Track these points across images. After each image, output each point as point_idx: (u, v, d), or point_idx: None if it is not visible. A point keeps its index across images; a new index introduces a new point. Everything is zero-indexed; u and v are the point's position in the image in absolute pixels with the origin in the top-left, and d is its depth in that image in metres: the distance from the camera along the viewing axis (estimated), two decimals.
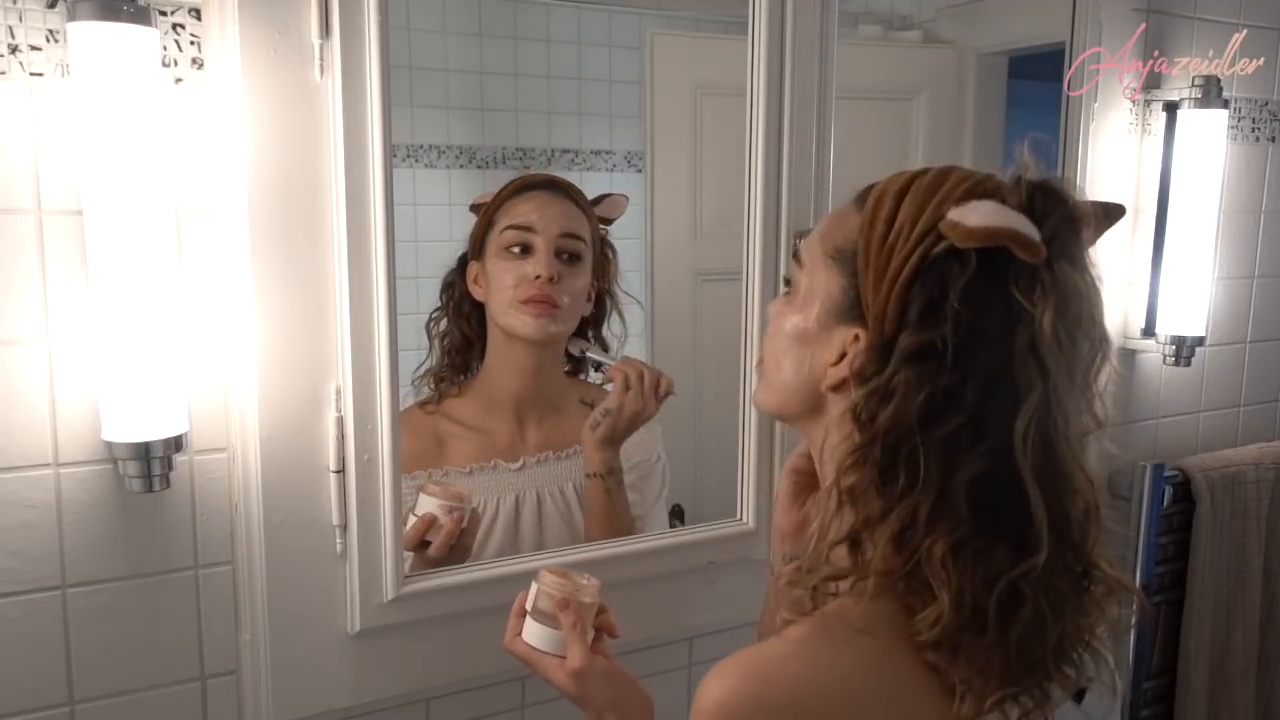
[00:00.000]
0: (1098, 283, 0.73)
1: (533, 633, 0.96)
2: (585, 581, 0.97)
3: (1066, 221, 0.71)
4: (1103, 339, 0.73)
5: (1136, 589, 0.80)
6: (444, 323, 1.34)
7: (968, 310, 0.69)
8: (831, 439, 0.78)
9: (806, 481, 0.92)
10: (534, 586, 0.98)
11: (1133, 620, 0.82)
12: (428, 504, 1.17)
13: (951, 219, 0.70)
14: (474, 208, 1.33)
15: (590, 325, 1.38)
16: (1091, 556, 0.75)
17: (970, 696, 0.71)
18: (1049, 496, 0.71)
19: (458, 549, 1.18)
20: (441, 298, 1.34)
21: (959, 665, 0.71)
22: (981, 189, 0.72)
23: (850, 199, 0.80)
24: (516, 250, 1.29)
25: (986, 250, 0.69)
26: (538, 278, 1.27)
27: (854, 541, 0.73)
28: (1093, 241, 0.76)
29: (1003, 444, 0.70)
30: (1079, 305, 0.71)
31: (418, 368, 1.32)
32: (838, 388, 0.77)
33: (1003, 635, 0.70)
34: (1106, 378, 0.74)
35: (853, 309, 0.76)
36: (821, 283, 0.78)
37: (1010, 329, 0.70)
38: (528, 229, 1.29)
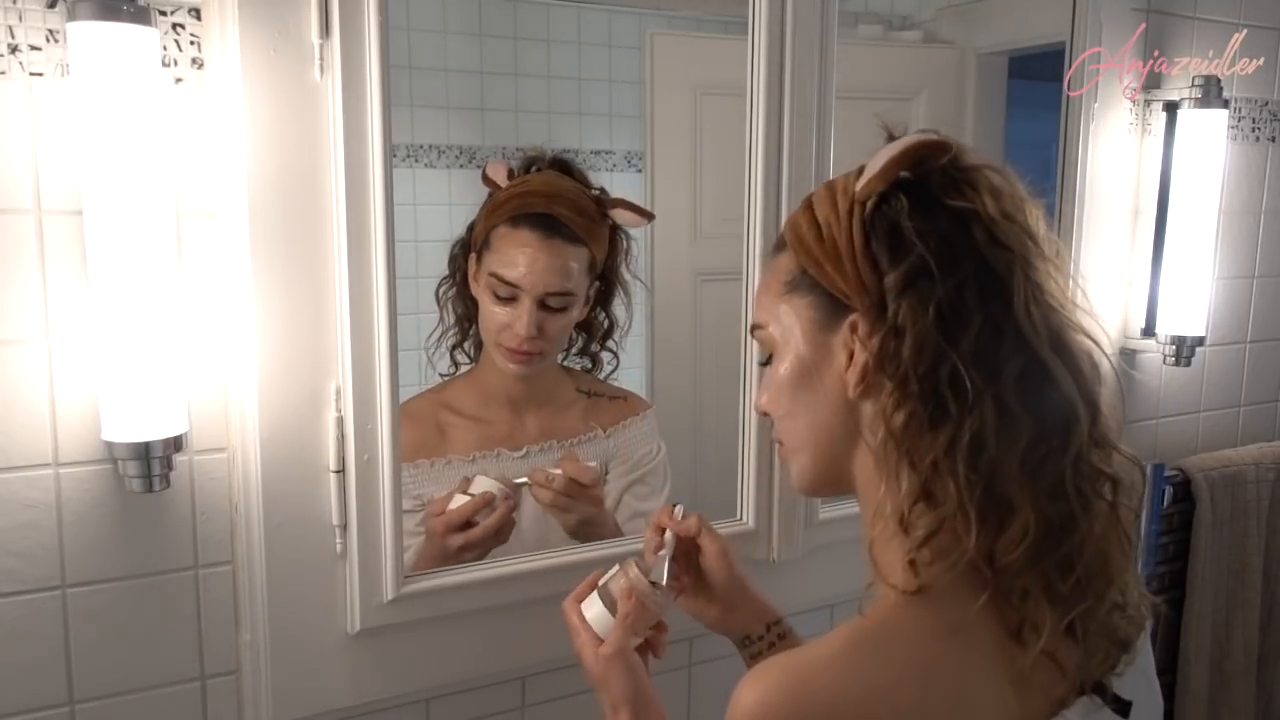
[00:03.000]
0: (1006, 174, 0.77)
1: (590, 607, 0.97)
2: (659, 592, 0.97)
3: (936, 139, 0.75)
4: (1041, 214, 0.76)
5: (1137, 459, 0.79)
6: (452, 291, 1.34)
7: (924, 228, 0.72)
8: (873, 443, 0.76)
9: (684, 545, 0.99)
10: (615, 568, 0.98)
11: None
12: (486, 484, 1.19)
13: (860, 183, 0.75)
14: (486, 180, 1.30)
15: (596, 305, 1.37)
16: (1107, 436, 0.76)
17: (1035, 634, 0.70)
18: (1071, 370, 0.73)
19: (497, 537, 1.19)
20: (449, 266, 1.33)
21: (1028, 606, 0.70)
22: (867, 163, 0.77)
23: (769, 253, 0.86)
24: (499, 295, 1.27)
25: (907, 185, 0.74)
26: (517, 335, 1.27)
27: (927, 494, 0.71)
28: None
29: (1016, 333, 0.71)
30: (1003, 181, 0.75)
31: (430, 334, 1.32)
32: (864, 382, 0.75)
33: (1074, 541, 0.71)
34: (1065, 255, 0.77)
35: (832, 311, 0.77)
36: (790, 317, 0.80)
37: (967, 231, 0.73)
38: (514, 285, 1.26)
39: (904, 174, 0.74)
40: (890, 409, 0.72)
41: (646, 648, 1.00)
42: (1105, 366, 0.76)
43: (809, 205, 0.80)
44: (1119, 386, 0.81)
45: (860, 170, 0.78)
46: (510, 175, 1.29)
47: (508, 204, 1.28)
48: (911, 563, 0.71)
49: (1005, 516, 0.70)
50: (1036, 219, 0.75)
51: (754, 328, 0.84)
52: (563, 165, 1.34)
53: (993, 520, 0.70)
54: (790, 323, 0.80)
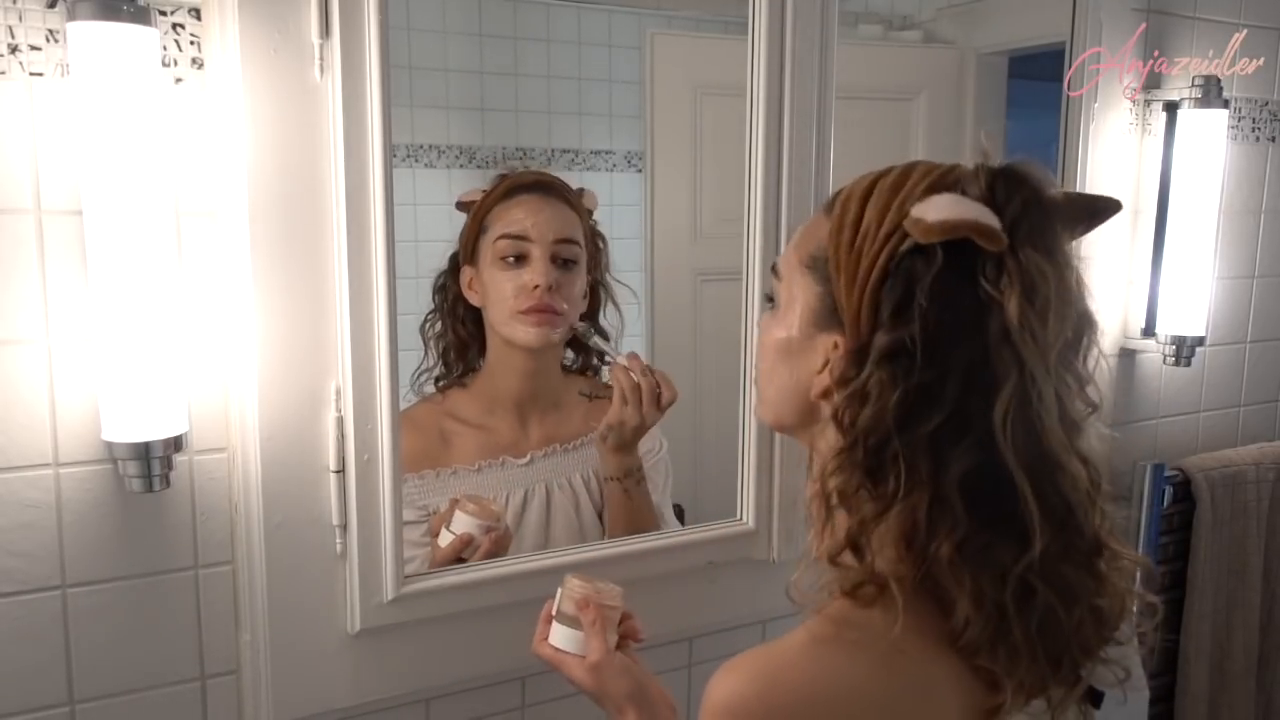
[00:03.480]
0: (1072, 264, 0.72)
1: (557, 635, 0.99)
2: (608, 586, 0.99)
3: (1029, 205, 0.70)
4: (1083, 321, 0.73)
5: (1143, 558, 0.79)
6: (439, 325, 1.33)
7: (936, 306, 0.69)
8: (820, 446, 0.78)
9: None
10: (559, 591, 1.00)
11: (1154, 609, 0.81)
12: (465, 523, 1.17)
13: (914, 216, 0.70)
14: (461, 205, 1.32)
15: (587, 317, 1.38)
16: (1100, 537, 0.74)
17: (1012, 688, 0.71)
18: (1042, 485, 0.70)
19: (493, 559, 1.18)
20: (435, 300, 1.33)
21: (999, 660, 0.70)
22: (942, 182, 0.72)
23: (821, 206, 0.80)
24: (512, 259, 1.28)
25: (952, 243, 0.69)
26: (536, 287, 1.27)
27: (855, 547, 0.72)
28: (1082, 233, 0.76)
29: (986, 436, 0.69)
30: (1047, 289, 0.69)
31: (416, 370, 1.31)
32: (825, 395, 0.76)
33: (1025, 628, 0.70)
34: (1095, 360, 0.74)
35: (831, 315, 0.76)
36: (800, 292, 0.78)
37: (982, 320, 0.69)
38: (522, 238, 1.28)
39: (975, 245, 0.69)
40: (832, 468, 0.73)
41: (625, 640, 1.00)
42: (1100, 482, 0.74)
43: (870, 190, 0.74)
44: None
45: (939, 177, 0.73)
46: (485, 193, 1.31)
47: (495, 189, 1.30)
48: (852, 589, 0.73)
49: (944, 599, 0.71)
50: (1076, 319, 0.71)
51: (773, 268, 0.83)
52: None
53: (930, 599, 0.71)
54: (797, 296, 0.78)
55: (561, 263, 1.29)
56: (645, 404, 1.26)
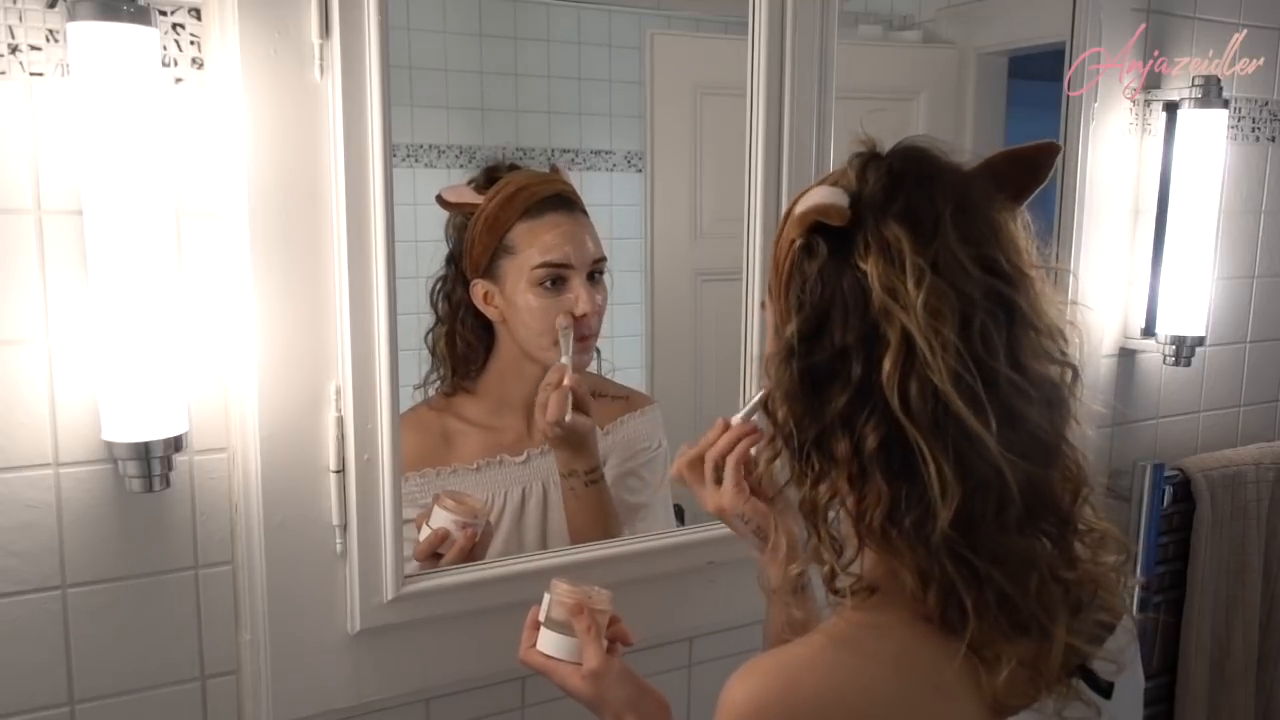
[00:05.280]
0: (972, 226, 0.71)
1: (547, 642, 0.97)
2: (598, 591, 0.98)
3: (891, 181, 0.72)
4: (993, 285, 0.71)
5: (1115, 532, 0.78)
6: (447, 336, 1.31)
7: (819, 291, 0.72)
8: None
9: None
10: (546, 597, 0.98)
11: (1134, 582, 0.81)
12: (441, 518, 1.17)
13: (793, 216, 0.75)
14: (450, 205, 1.29)
15: None
16: (1065, 510, 0.74)
17: (996, 662, 0.70)
18: (958, 449, 0.69)
19: (469, 561, 1.18)
20: (438, 309, 1.31)
21: (979, 636, 0.70)
22: (824, 180, 0.76)
23: None
24: (549, 284, 1.27)
25: (830, 231, 0.72)
26: (583, 316, 1.27)
27: (811, 524, 0.75)
28: (1036, 187, 0.77)
29: (885, 404, 0.69)
30: (907, 253, 0.69)
31: (425, 377, 1.31)
32: None
33: (978, 599, 0.70)
34: (982, 325, 0.70)
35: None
36: (770, 314, 0.81)
37: (864, 296, 0.70)
38: (564, 265, 1.26)
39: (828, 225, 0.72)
40: (764, 460, 0.77)
41: (614, 644, 1.00)
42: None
43: (788, 213, 0.78)
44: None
45: (825, 176, 0.77)
46: (475, 191, 1.29)
47: (512, 202, 1.27)
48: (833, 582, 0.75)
49: (898, 571, 0.72)
50: (926, 290, 0.68)
51: (761, 304, 0.87)
52: (516, 168, 1.34)
53: (886, 570, 0.73)
54: (770, 319, 0.82)
55: (595, 278, 1.30)
56: (554, 399, 1.24)
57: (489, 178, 1.31)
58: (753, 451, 0.93)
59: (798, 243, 0.74)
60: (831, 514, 0.75)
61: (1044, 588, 0.72)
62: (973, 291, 0.69)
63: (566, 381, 1.23)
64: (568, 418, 1.22)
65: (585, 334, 1.29)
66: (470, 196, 1.28)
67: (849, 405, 0.70)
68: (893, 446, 0.70)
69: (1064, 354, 0.74)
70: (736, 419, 0.95)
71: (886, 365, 0.69)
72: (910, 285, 0.69)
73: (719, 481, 0.95)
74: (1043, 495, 0.72)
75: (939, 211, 0.71)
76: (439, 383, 1.33)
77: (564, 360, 1.25)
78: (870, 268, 0.70)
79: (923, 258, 0.69)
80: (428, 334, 1.32)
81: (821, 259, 0.72)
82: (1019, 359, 0.71)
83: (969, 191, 0.73)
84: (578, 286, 1.27)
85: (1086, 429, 0.75)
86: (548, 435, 1.26)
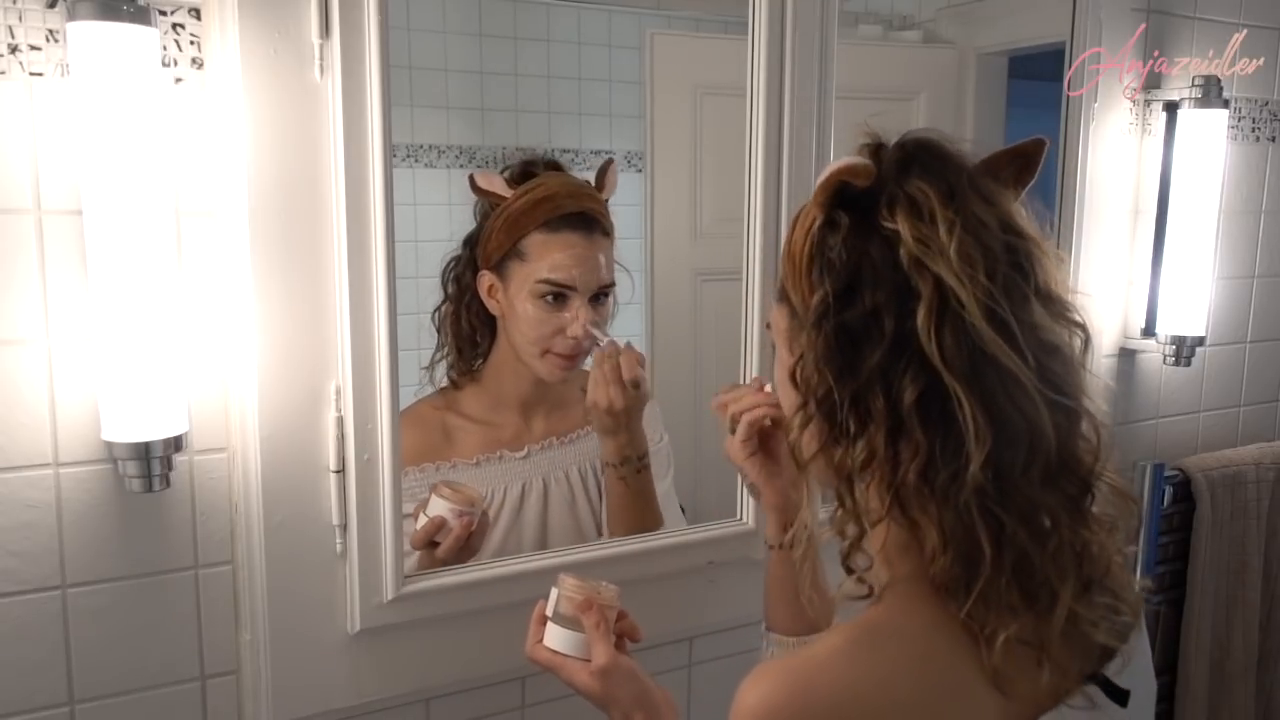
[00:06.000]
0: (989, 199, 0.74)
1: (555, 637, 0.96)
2: (605, 586, 0.98)
3: (911, 150, 0.75)
4: (1017, 244, 0.73)
5: (1132, 495, 0.79)
6: (453, 314, 1.32)
7: (847, 256, 0.73)
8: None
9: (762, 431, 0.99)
10: (554, 592, 0.98)
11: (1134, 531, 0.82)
12: (438, 506, 1.17)
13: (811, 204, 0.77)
14: (479, 190, 1.29)
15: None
16: (1085, 473, 0.74)
17: (994, 637, 0.70)
18: (993, 397, 0.69)
19: (465, 550, 1.18)
20: (447, 290, 1.33)
21: (979, 610, 0.70)
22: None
23: None
24: (550, 299, 1.27)
25: (851, 203, 0.73)
26: (575, 339, 1.27)
27: (839, 495, 0.76)
28: (1027, 181, 0.79)
29: (922, 355, 0.70)
30: (934, 204, 0.71)
31: (434, 354, 1.32)
32: None
33: (996, 561, 0.70)
34: (1006, 276, 0.72)
35: (796, 322, 0.79)
36: (777, 322, 0.82)
37: (893, 253, 0.71)
38: (567, 286, 1.27)
39: (854, 186, 0.74)
40: (795, 429, 0.77)
41: (621, 639, 1.00)
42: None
43: (795, 219, 0.81)
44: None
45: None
46: (507, 183, 1.29)
47: (535, 210, 1.27)
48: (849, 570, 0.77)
49: (918, 532, 0.72)
50: (957, 238, 0.70)
51: (766, 325, 0.89)
52: (556, 167, 1.34)
53: (907, 536, 0.73)
54: (778, 326, 0.82)
55: (597, 301, 1.30)
56: (610, 383, 1.25)
57: (524, 172, 1.31)
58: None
59: (819, 220, 0.75)
60: (859, 486, 0.75)
61: (1060, 552, 0.72)
62: (995, 246, 0.71)
63: (623, 364, 1.25)
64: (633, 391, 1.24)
65: (574, 353, 1.29)
66: (500, 188, 1.28)
67: (884, 359, 0.71)
68: (931, 397, 0.70)
69: (1076, 318, 0.75)
70: (770, 388, 0.99)
71: (920, 315, 0.69)
72: (943, 234, 0.70)
73: (733, 432, 1.00)
74: (1067, 452, 0.73)
75: (956, 176, 0.73)
76: (447, 367, 1.33)
77: (608, 342, 1.27)
78: (900, 224, 0.71)
79: (951, 210, 0.71)
80: (434, 312, 1.33)
81: (844, 229, 0.74)
82: (1037, 317, 0.72)
83: (978, 168, 0.77)
84: (577, 307, 1.28)
85: (1100, 403, 0.76)
86: (594, 425, 1.28)
